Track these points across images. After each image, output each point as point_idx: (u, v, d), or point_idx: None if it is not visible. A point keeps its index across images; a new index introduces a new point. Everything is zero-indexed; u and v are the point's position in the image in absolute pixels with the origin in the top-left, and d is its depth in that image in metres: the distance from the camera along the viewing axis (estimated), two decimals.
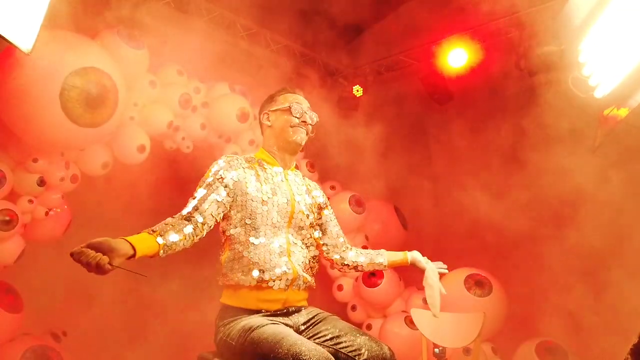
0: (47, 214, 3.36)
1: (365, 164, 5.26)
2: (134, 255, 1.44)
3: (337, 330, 1.76)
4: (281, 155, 1.99)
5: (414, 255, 2.12)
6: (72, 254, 1.34)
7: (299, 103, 1.99)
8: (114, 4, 3.75)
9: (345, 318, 4.59)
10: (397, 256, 2.13)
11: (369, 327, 4.38)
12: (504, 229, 4.11)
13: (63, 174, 3.27)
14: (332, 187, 4.94)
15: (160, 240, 1.53)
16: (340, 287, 4.56)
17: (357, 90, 5.37)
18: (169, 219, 1.66)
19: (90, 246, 1.36)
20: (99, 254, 1.34)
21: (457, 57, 4.42)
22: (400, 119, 5.11)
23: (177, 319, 4.22)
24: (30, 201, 3.18)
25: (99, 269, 1.34)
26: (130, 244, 1.43)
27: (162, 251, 1.54)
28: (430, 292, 2.06)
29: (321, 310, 1.91)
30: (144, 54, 3.46)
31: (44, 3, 2.35)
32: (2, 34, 2.22)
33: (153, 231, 1.55)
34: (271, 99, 2.05)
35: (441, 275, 2.11)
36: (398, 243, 5.01)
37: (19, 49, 2.32)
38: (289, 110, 1.95)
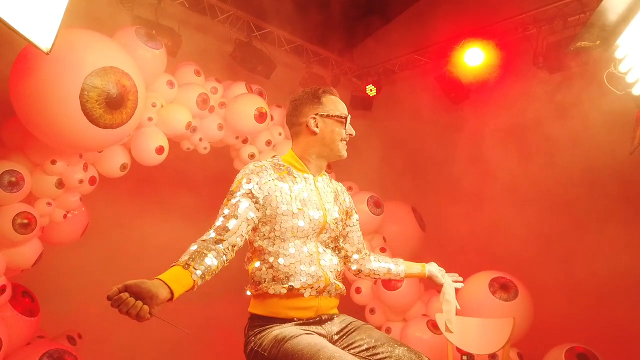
0: (65, 216, 3.32)
1: (380, 164, 5.19)
2: (171, 299, 1.36)
3: (373, 341, 1.68)
4: (317, 162, 1.87)
5: (431, 270, 2.08)
6: (109, 298, 1.26)
7: (348, 114, 1.89)
8: (130, 3, 3.72)
9: (364, 321, 4.54)
10: (415, 268, 2.09)
11: (388, 330, 4.31)
12: (529, 229, 4.02)
13: (81, 176, 3.23)
14: (349, 188, 4.87)
15: (195, 275, 1.43)
16: (358, 290, 4.49)
17: (370, 90, 5.31)
18: (201, 245, 1.54)
19: (129, 290, 1.27)
20: (138, 302, 1.26)
21: (473, 55, 4.33)
22: (414, 119, 5.04)
23: (201, 324, 4.14)
24: (49, 204, 3.14)
25: (138, 318, 1.27)
26: (168, 286, 1.35)
27: (196, 286, 1.46)
28: (448, 308, 2.08)
29: (354, 319, 1.84)
30: (161, 54, 3.41)
31: (64, 1, 2.30)
32: (21, 33, 2.18)
33: (187, 265, 1.44)
34: (316, 99, 1.84)
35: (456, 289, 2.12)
36: (416, 244, 4.93)
37: (38, 48, 2.27)
38: (343, 121, 1.84)
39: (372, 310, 4.45)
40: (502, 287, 3.59)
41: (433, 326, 3.89)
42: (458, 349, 3.04)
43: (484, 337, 2.87)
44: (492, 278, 3.66)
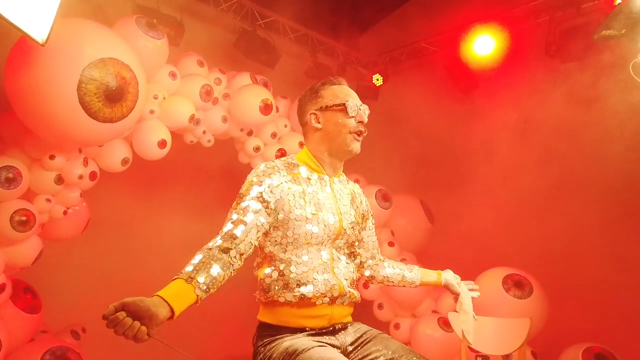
0: (65, 212, 3.23)
1: (388, 156, 5.08)
2: (172, 317, 1.26)
3: (390, 352, 1.58)
4: (331, 161, 1.74)
5: (447, 278, 2.01)
6: (105, 318, 1.16)
7: (353, 99, 1.71)
8: None
9: (371, 317, 4.47)
10: (431, 276, 2.01)
11: (397, 326, 4.23)
12: (541, 225, 3.90)
13: (81, 171, 3.13)
14: (357, 181, 4.75)
15: (199, 290, 1.32)
16: (366, 285, 4.40)
17: (377, 79, 5.18)
18: (206, 254, 1.42)
19: (126, 309, 1.17)
20: (136, 323, 1.17)
21: (483, 43, 4.17)
22: (423, 109, 4.90)
23: (207, 322, 4.05)
24: (48, 200, 3.05)
25: (136, 340, 1.19)
26: (169, 304, 1.25)
27: (200, 301, 1.35)
28: (465, 318, 2.01)
29: (369, 327, 1.74)
30: (163, 44, 3.29)
31: None
32: (15, 24, 2.08)
33: (190, 278, 1.33)
34: (315, 94, 1.73)
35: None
36: (424, 238, 4.85)
37: (33, 40, 2.17)
38: (343, 109, 1.68)
39: (380, 306, 4.38)
40: (516, 285, 3.49)
41: (444, 324, 3.80)
42: (472, 349, 2.95)
43: (499, 337, 2.78)
44: (505, 275, 3.55)
